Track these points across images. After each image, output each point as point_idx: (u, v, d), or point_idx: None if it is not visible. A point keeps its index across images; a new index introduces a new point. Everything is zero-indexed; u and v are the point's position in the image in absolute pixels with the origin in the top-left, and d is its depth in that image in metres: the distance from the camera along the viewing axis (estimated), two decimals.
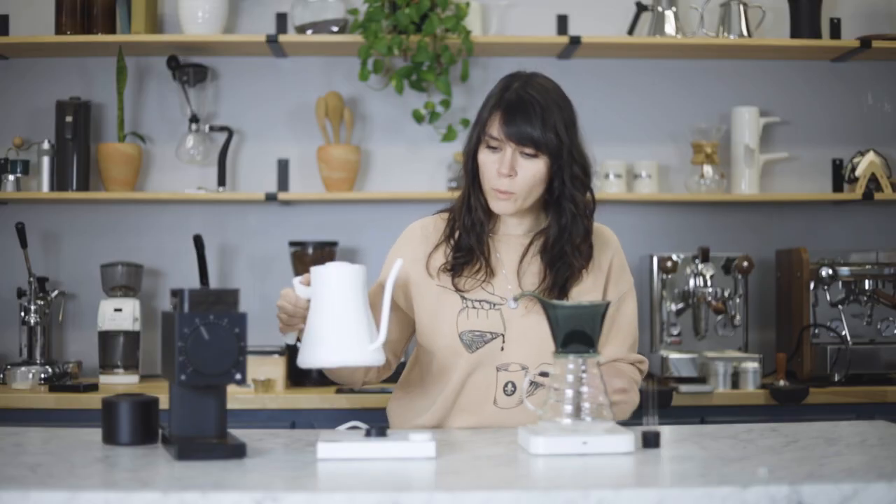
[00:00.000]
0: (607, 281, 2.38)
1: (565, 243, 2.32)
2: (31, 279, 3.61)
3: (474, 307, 2.32)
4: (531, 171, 2.26)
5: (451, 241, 2.36)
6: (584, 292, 2.35)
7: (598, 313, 1.96)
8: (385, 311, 2.08)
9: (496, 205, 2.30)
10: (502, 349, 2.31)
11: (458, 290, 2.33)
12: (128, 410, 2.01)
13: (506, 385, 2.32)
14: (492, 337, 2.31)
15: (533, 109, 2.24)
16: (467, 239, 2.34)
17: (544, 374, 2.28)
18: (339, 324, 2.06)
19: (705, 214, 3.98)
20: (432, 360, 2.37)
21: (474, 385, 2.33)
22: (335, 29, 3.77)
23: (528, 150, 2.25)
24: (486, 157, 2.29)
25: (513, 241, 2.38)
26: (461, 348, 2.31)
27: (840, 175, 3.97)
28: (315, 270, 2.09)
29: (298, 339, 2.23)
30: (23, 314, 3.61)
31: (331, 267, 2.08)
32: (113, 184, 3.74)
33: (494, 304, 2.33)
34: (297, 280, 2.14)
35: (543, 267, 2.34)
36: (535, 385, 2.32)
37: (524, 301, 2.31)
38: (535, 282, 2.34)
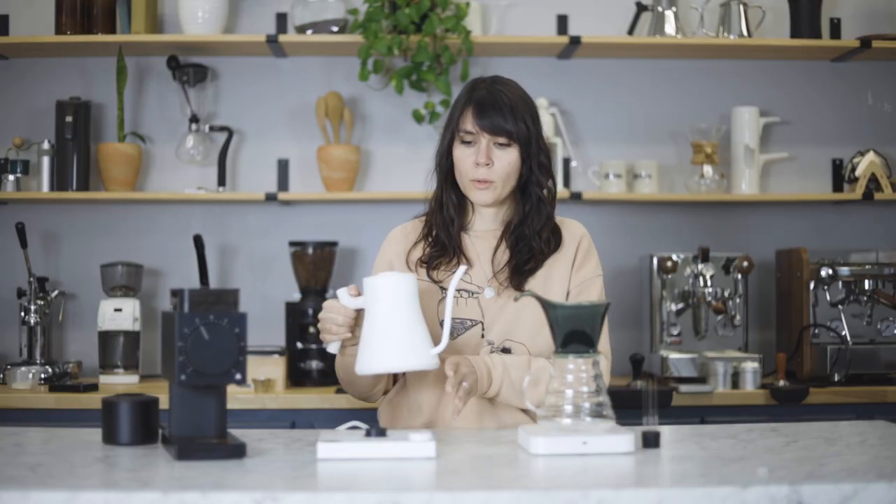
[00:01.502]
0: (572, 267, 2.48)
1: (527, 227, 2.44)
2: (31, 279, 3.61)
3: (454, 297, 2.37)
4: (506, 159, 2.40)
5: (429, 239, 2.48)
6: (552, 275, 2.44)
7: (598, 313, 1.97)
8: (447, 319, 2.19)
9: (476, 196, 2.43)
10: (483, 335, 2.41)
11: (435, 281, 2.43)
12: (128, 410, 2.01)
13: None
14: (472, 324, 2.41)
15: (503, 102, 2.39)
16: (441, 235, 2.46)
17: (506, 351, 2.40)
18: (400, 331, 2.15)
19: (705, 214, 3.98)
20: None
21: None
22: (335, 29, 3.77)
23: (502, 140, 2.39)
24: (461, 152, 2.42)
25: (488, 235, 2.49)
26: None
27: (840, 175, 3.97)
28: (370, 282, 2.18)
29: (345, 346, 2.32)
30: (23, 314, 3.61)
31: (388, 277, 2.18)
32: (113, 184, 3.74)
33: (472, 293, 2.43)
34: (342, 291, 2.24)
35: (509, 253, 2.46)
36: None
37: (498, 287, 2.43)
38: (507, 270, 2.44)
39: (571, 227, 2.53)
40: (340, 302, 2.24)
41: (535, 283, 2.43)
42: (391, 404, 2.51)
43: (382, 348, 2.15)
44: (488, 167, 2.39)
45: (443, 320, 2.38)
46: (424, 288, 2.41)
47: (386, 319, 2.15)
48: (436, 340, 2.20)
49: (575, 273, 2.47)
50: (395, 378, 2.49)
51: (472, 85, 2.46)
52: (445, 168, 2.47)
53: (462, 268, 2.21)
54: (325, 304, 2.28)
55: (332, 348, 2.32)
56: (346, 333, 2.26)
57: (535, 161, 2.42)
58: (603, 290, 2.49)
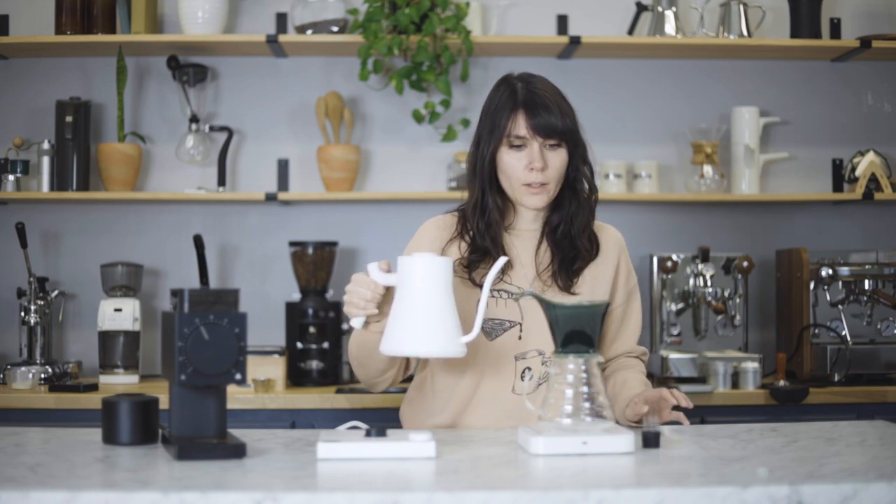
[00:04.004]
0: (617, 275, 2.47)
1: (571, 227, 2.41)
2: (31, 279, 3.61)
3: (493, 297, 2.38)
4: (557, 160, 2.37)
5: (466, 238, 2.42)
6: (598, 281, 2.43)
7: (597, 313, 1.97)
8: (481, 309, 2.11)
9: (530, 200, 2.38)
10: (520, 338, 2.38)
11: (476, 283, 2.38)
12: (128, 410, 2.01)
13: (523, 372, 2.38)
14: (510, 325, 2.38)
15: (550, 102, 2.35)
16: (482, 241, 2.40)
17: None
18: (432, 315, 2.07)
19: (705, 214, 3.98)
20: None
21: (493, 375, 2.38)
22: (335, 29, 3.77)
23: (553, 142, 2.35)
24: (510, 157, 2.36)
25: (529, 234, 2.45)
26: (481, 336, 2.34)
27: (840, 175, 3.97)
28: (406, 261, 2.09)
29: (367, 322, 2.24)
30: (23, 314, 3.61)
31: (425, 257, 2.09)
32: (113, 184, 3.74)
33: (512, 294, 2.39)
34: (373, 266, 2.16)
35: (552, 252, 2.42)
36: (548, 374, 2.38)
37: (541, 287, 2.39)
38: (551, 269, 2.42)
39: (609, 230, 2.52)
40: (370, 276, 2.16)
41: (582, 285, 2.41)
42: (415, 403, 2.49)
43: (411, 330, 2.06)
44: (543, 171, 2.35)
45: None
46: (464, 288, 2.36)
47: (418, 301, 2.07)
48: (473, 342, 2.13)
49: (624, 282, 2.48)
50: (406, 368, 2.42)
51: (510, 86, 2.39)
52: (488, 173, 2.39)
53: (502, 259, 2.13)
54: (354, 277, 2.21)
55: (356, 323, 2.23)
56: (372, 309, 2.19)
57: (579, 157, 2.40)
58: (639, 295, 2.53)
